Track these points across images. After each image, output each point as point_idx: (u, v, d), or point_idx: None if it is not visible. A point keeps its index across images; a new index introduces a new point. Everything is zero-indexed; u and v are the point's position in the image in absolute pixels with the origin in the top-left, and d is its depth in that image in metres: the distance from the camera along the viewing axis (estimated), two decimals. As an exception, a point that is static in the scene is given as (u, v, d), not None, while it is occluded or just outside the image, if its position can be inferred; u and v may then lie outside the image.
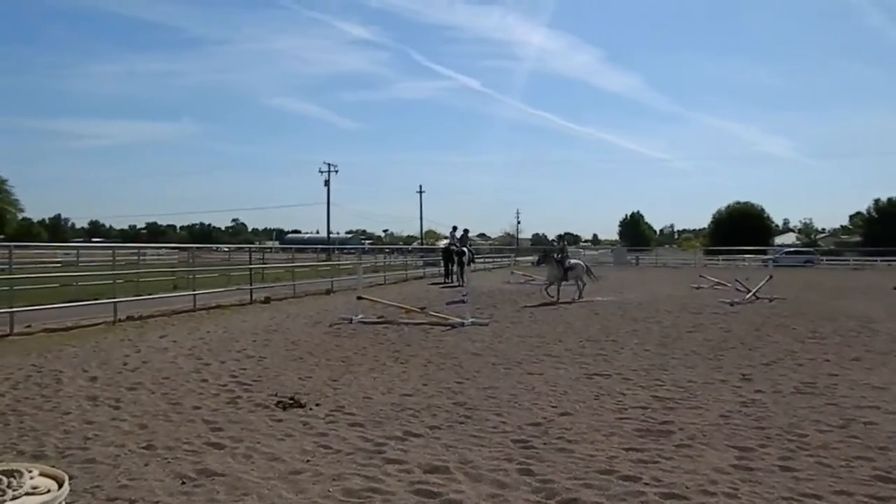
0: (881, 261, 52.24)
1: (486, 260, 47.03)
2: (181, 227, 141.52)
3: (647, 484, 4.51)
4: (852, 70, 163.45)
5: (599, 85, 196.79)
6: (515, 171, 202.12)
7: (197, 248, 27.56)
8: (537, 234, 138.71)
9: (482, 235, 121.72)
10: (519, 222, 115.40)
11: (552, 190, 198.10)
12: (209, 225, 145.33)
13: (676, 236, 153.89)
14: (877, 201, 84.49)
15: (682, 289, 24.55)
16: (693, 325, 13.47)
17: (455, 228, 28.78)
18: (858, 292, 23.36)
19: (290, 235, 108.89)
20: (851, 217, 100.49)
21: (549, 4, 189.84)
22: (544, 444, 5.45)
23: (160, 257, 42.02)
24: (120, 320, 13.55)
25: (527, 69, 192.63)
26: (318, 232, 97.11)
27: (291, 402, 6.77)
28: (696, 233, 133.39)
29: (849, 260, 58.22)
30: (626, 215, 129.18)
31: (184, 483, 4.51)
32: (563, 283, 19.47)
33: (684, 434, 5.74)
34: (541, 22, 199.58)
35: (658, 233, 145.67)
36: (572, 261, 20.06)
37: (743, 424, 6.05)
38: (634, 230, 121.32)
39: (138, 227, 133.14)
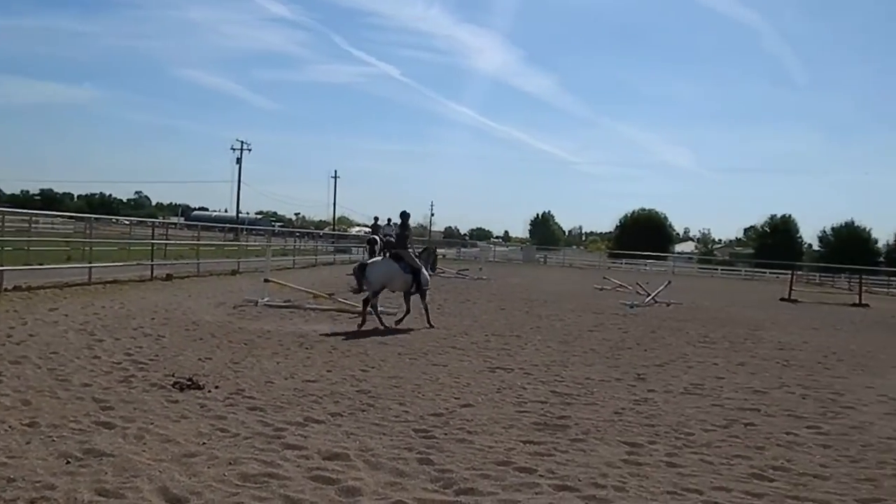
0: (770, 273, 55.35)
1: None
2: (78, 196, 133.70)
3: (541, 476, 4.64)
4: (755, 91, 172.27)
5: (517, 84, 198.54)
6: (432, 163, 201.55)
7: (95, 218, 25.96)
8: (449, 227, 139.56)
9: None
10: (433, 214, 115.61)
11: (467, 185, 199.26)
12: (110, 196, 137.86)
13: (584, 238, 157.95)
14: (772, 217, 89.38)
15: (587, 289, 25.29)
16: (594, 325, 13.92)
17: (376, 219, 29.05)
18: (748, 301, 24.70)
19: (196, 212, 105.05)
20: (746, 230, 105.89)
21: (475, 1, 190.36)
22: (445, 434, 5.52)
23: (54, 226, 39.76)
24: (6, 290, 12.75)
25: (447, 63, 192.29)
26: (226, 211, 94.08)
27: (189, 383, 6.57)
28: (602, 236, 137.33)
29: (741, 270, 61.42)
30: (537, 215, 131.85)
31: (68, 462, 4.31)
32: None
33: (579, 429, 5.93)
34: (464, 17, 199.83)
35: (567, 233, 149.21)
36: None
37: (635, 421, 6.31)
38: (544, 229, 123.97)
39: (31, 192, 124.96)
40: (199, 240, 25.94)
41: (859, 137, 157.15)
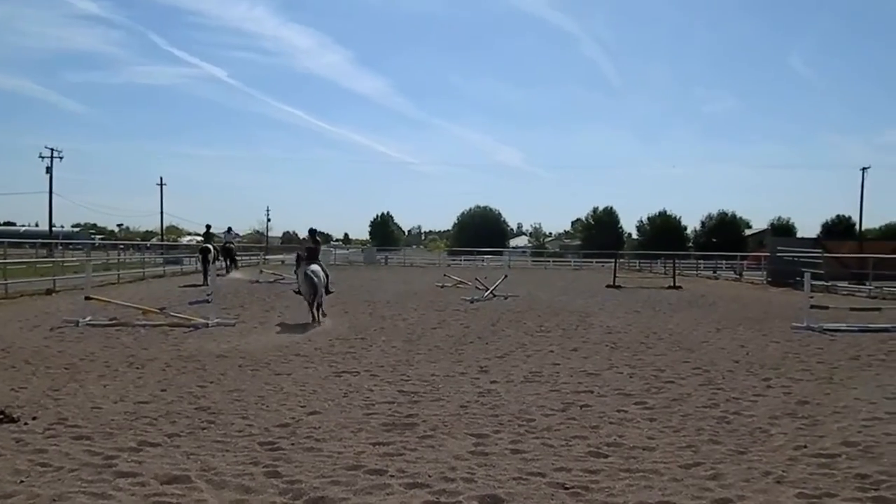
0: (596, 262, 59.19)
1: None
2: None
3: (392, 476, 4.65)
4: (573, 93, 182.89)
5: (349, 86, 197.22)
6: (265, 168, 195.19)
7: None
8: (288, 233, 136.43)
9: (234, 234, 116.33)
10: (269, 220, 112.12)
11: (304, 188, 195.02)
12: None
13: (423, 237, 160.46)
14: (595, 209, 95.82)
15: (428, 287, 25.67)
16: (437, 322, 14.17)
17: (209, 227, 28.07)
18: (578, 290, 26.20)
19: (0, 228, 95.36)
20: (573, 223, 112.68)
21: (300, 1, 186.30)
22: (292, 444, 5.39)
23: None
24: None
25: (277, 64, 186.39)
26: (37, 225, 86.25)
27: (1, 416, 5.94)
28: (441, 234, 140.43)
29: (570, 261, 65.17)
30: (377, 216, 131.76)
31: None
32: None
33: (427, 426, 6.01)
34: (290, 18, 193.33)
35: (406, 233, 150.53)
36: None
37: (480, 413, 6.50)
38: (384, 230, 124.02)
39: None
40: (5, 258, 23.52)
41: (666, 135, 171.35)
